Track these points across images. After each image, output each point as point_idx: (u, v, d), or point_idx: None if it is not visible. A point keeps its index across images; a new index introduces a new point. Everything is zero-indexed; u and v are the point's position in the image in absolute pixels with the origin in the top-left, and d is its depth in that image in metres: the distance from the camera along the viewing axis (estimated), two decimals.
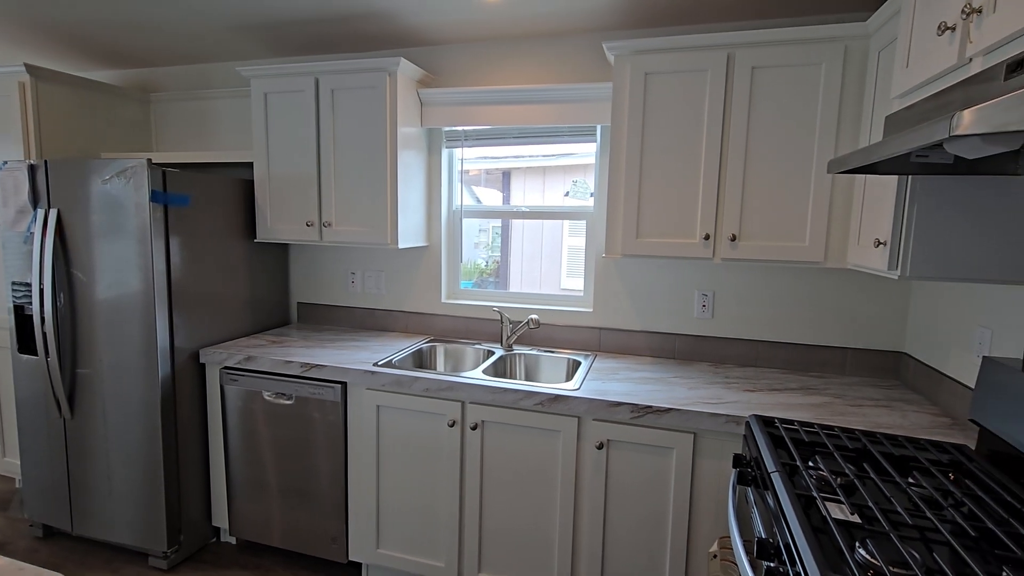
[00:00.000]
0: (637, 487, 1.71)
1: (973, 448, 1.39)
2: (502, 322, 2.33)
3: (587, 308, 2.38)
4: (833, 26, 1.68)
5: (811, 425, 1.48)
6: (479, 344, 2.41)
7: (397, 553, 2.01)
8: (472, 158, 2.80)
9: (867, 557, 0.91)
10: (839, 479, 1.20)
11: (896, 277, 1.41)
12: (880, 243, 1.46)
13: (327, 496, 2.08)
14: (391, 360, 2.10)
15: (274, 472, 2.15)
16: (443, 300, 2.55)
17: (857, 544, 0.95)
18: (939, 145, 0.96)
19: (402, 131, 2.25)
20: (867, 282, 2.02)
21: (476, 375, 1.93)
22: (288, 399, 2.09)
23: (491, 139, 2.48)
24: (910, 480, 1.20)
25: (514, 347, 2.37)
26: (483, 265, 2.71)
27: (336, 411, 2.03)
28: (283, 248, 2.74)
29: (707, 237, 1.85)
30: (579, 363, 2.15)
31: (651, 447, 1.68)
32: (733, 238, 1.82)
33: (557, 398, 1.74)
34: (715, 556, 1.45)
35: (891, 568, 0.88)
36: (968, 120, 0.76)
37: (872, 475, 1.19)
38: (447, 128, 2.49)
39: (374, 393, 1.97)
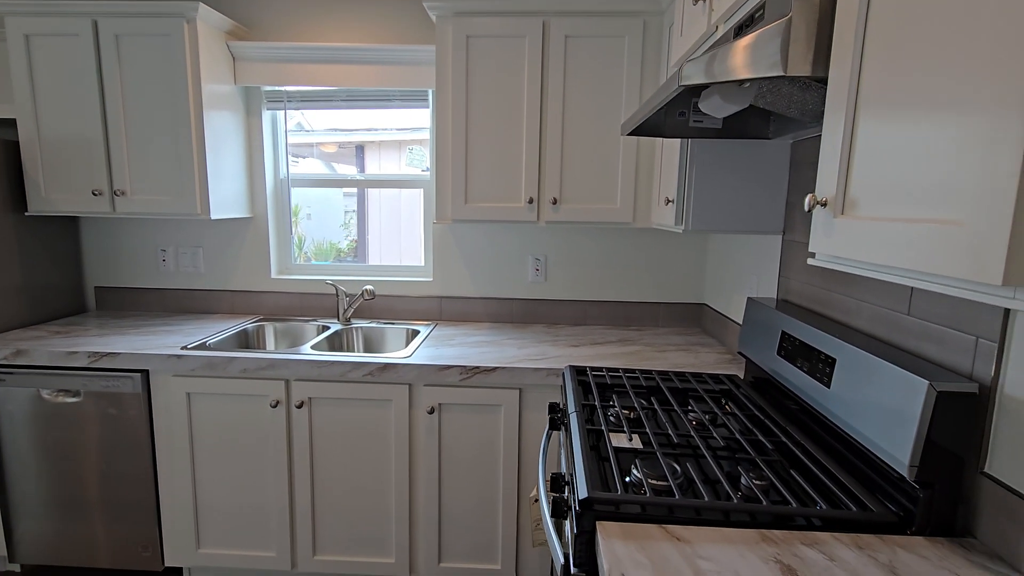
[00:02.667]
0: (469, 447, 1.74)
1: (742, 377, 1.62)
2: (338, 296, 2.22)
3: (427, 278, 2.35)
4: (634, 0, 1.80)
5: (616, 370, 1.61)
6: (315, 320, 2.28)
7: (222, 550, 1.85)
8: (322, 130, 2.62)
9: (638, 475, 1.01)
10: (631, 413, 1.31)
11: (681, 231, 1.58)
12: (669, 201, 1.61)
13: (134, 501, 1.84)
14: (205, 343, 1.89)
15: (66, 482, 1.85)
16: (273, 276, 2.36)
17: (632, 467, 1.05)
18: (711, 113, 1.06)
19: (209, 88, 2.01)
20: (672, 242, 2.24)
21: (301, 350, 1.82)
22: (75, 396, 1.80)
23: (317, 101, 2.32)
24: (689, 408, 1.36)
25: (352, 321, 2.27)
26: (341, 245, 2.56)
27: (137, 404, 1.79)
28: (70, 223, 2.33)
29: (531, 201, 1.91)
30: (418, 332, 2.13)
31: (481, 406, 1.72)
32: (555, 201, 1.91)
33: (387, 367, 1.70)
34: (535, 500, 1.53)
35: (650, 481, 0.98)
36: (687, 71, 0.85)
37: (657, 408, 1.33)
38: (267, 88, 2.27)
39: (183, 380, 1.76)
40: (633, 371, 1.61)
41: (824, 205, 0.76)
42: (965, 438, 0.84)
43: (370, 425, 1.76)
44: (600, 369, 1.62)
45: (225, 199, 2.12)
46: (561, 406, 1.54)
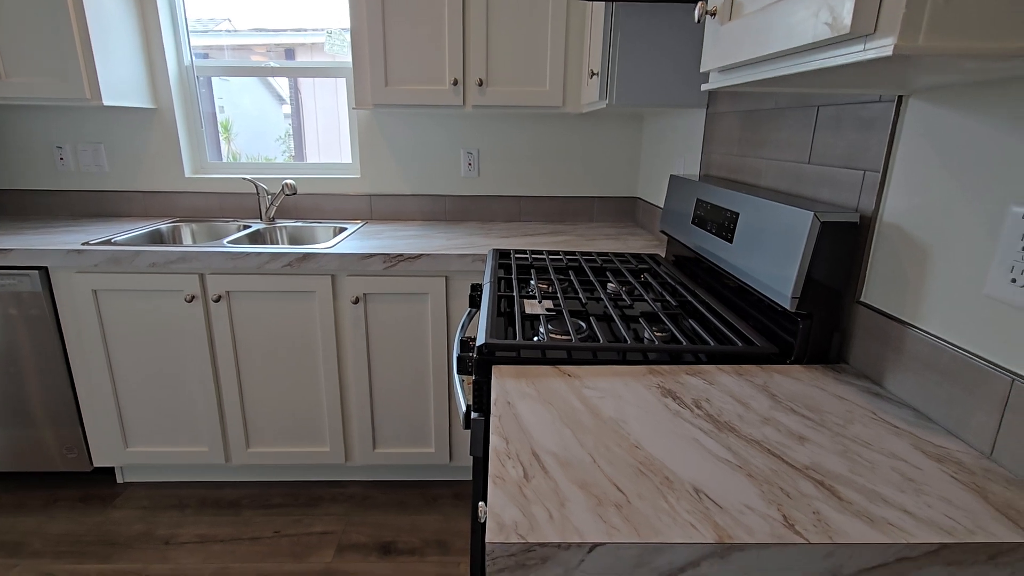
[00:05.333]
0: (398, 336, 1.73)
1: (664, 255, 1.64)
2: (258, 193, 2.09)
3: (355, 175, 2.24)
4: None
5: (540, 252, 1.60)
6: (236, 221, 2.16)
7: (152, 448, 1.83)
8: (247, 30, 2.37)
9: (545, 333, 1.02)
10: (548, 288, 1.31)
11: (605, 105, 1.52)
12: (594, 74, 1.54)
13: (51, 403, 1.77)
14: (111, 240, 1.77)
15: None
16: (188, 175, 2.20)
17: (542, 327, 1.06)
18: None
19: None
20: (607, 132, 2.19)
21: (215, 244, 1.72)
22: None
23: None
24: (607, 281, 1.37)
25: (277, 220, 2.16)
26: (278, 161, 2.38)
27: (39, 303, 1.68)
28: None
29: (456, 83, 1.80)
30: (345, 229, 2.05)
31: (407, 295, 1.69)
32: (481, 83, 1.80)
33: (307, 257, 1.64)
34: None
35: (551, 336, 0.98)
36: None
37: (575, 281, 1.33)
38: None
39: (87, 276, 1.66)
40: (557, 253, 1.60)
41: (713, 15, 0.72)
42: (845, 269, 0.86)
43: (294, 317, 1.71)
44: (524, 251, 1.61)
45: (119, 84, 1.91)
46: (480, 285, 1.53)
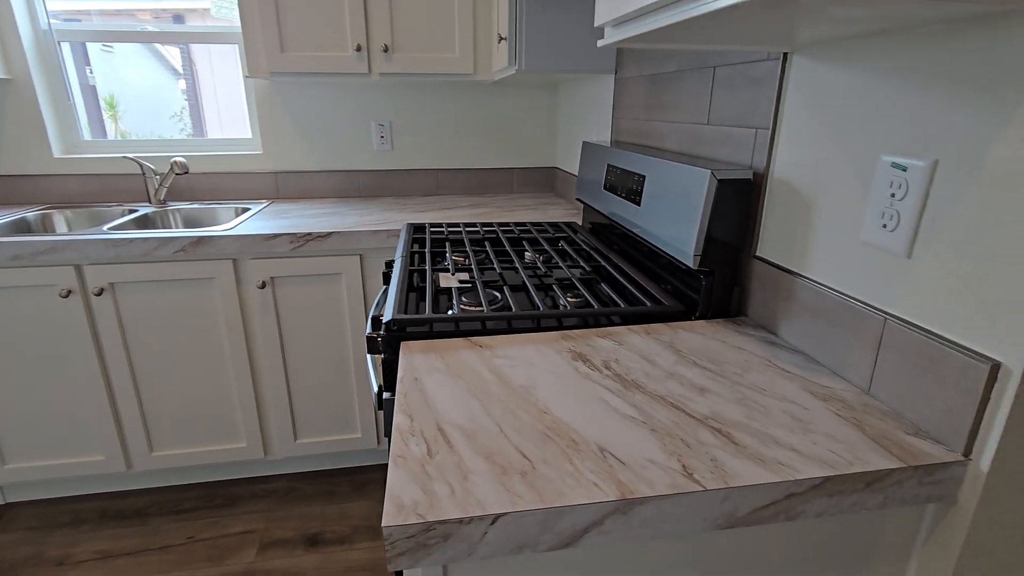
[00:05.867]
0: (313, 320, 1.64)
1: (581, 223, 1.65)
2: (144, 174, 1.89)
3: (257, 151, 2.08)
4: None
5: (457, 225, 1.56)
6: (121, 205, 1.95)
7: (37, 462, 1.64)
8: None
9: (457, 306, 0.98)
10: (464, 260, 1.28)
11: (515, 71, 1.48)
12: (502, 38, 1.49)
13: None
14: None
15: None
16: (56, 155, 1.95)
17: (455, 300, 1.02)
18: None
19: None
20: (523, 102, 2.16)
21: (93, 232, 1.54)
22: None
23: None
24: (525, 252, 1.35)
25: (168, 203, 1.97)
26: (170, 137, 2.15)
27: None
28: None
29: (359, 48, 1.69)
30: (248, 209, 1.90)
31: (319, 276, 1.60)
32: (386, 49, 1.70)
33: (201, 241, 1.50)
34: None
35: (463, 308, 0.95)
36: None
37: (491, 253, 1.30)
38: None
39: None
40: (474, 225, 1.57)
41: None
42: (742, 225, 0.89)
43: (193, 307, 1.58)
44: (440, 225, 1.56)
45: None
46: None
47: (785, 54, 0.83)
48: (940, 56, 0.58)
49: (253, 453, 1.74)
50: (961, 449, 0.56)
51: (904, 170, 0.62)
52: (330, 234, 1.55)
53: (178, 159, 1.84)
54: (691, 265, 0.90)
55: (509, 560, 0.55)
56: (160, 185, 1.90)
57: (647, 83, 1.32)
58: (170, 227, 1.94)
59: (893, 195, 0.64)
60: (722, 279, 0.92)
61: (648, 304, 0.95)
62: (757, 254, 0.91)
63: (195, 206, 1.96)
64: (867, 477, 0.54)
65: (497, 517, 0.49)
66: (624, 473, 0.54)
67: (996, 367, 0.52)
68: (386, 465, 1.91)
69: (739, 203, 0.88)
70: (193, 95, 2.45)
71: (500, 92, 2.13)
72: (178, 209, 1.93)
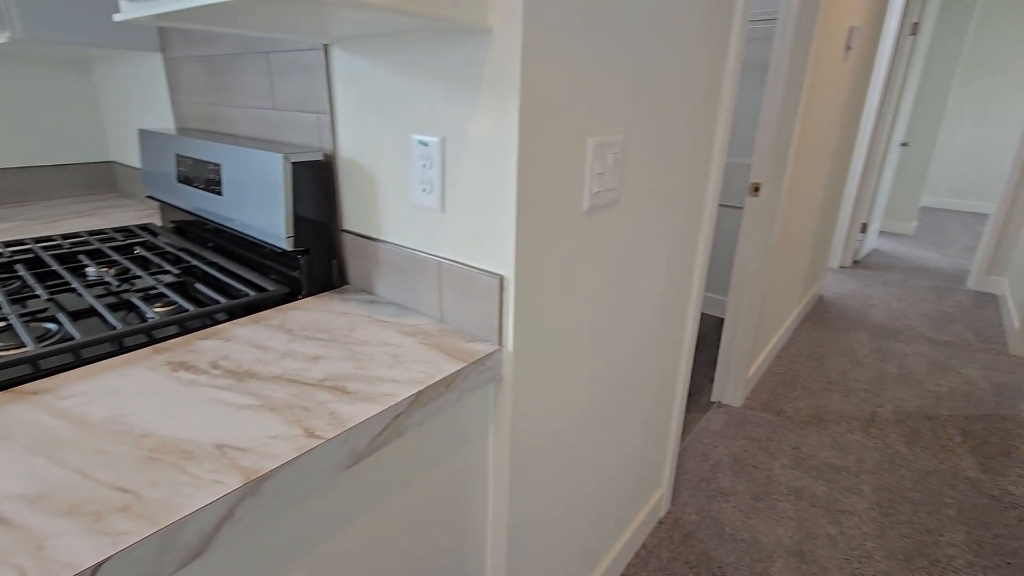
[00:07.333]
0: None
1: (161, 224, 1.44)
2: None
3: None
4: None
5: None
6: None
7: None
8: None
9: None
10: None
11: (8, 39, 1.13)
12: None
13: None
14: None
15: None
16: None
17: None
18: None
19: None
20: (50, 84, 1.67)
21: None
22: None
23: None
24: (87, 268, 1.09)
25: None
26: None
27: None
28: None
29: None
30: None
31: None
32: None
33: None
34: None
35: (4, 353, 0.73)
36: None
37: (29, 279, 1.00)
38: None
39: None
40: None
41: None
42: (325, 203, 0.97)
43: None
44: None
45: None
46: None
47: (326, 45, 0.92)
48: (428, 56, 0.76)
49: None
50: (496, 341, 0.79)
51: (427, 146, 0.80)
52: None
53: None
54: (287, 247, 0.92)
55: None
56: None
57: (204, 65, 1.23)
58: None
59: (424, 165, 0.81)
60: (319, 255, 0.98)
61: (251, 293, 0.93)
62: (344, 228, 1.01)
63: None
64: (446, 381, 0.71)
65: (97, 567, 0.43)
66: (247, 459, 0.55)
67: (502, 279, 0.76)
68: None
69: (318, 183, 0.95)
70: None
71: (9, 68, 1.58)
72: None
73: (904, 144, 4.60)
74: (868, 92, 3.54)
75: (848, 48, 2.39)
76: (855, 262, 4.30)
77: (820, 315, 3.23)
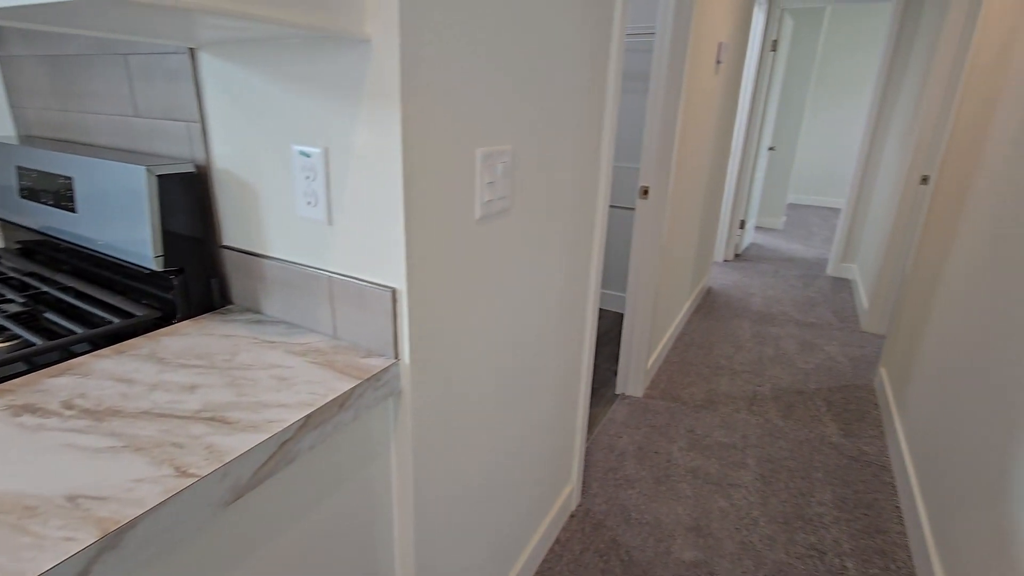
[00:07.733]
0: None
1: (4, 246, 1.26)
2: None
3: None
4: None
5: None
6: None
7: None
8: None
9: None
10: None
11: None
12: None
13: None
14: None
15: None
16: None
17: None
18: None
19: None
20: None
21: None
22: None
23: None
24: None
25: None
26: None
27: None
28: None
29: None
30: None
31: None
32: None
33: None
34: None
35: None
36: None
37: None
38: None
39: None
40: None
41: None
42: (200, 218, 0.90)
43: None
44: None
45: None
46: None
47: (191, 49, 0.85)
48: (306, 64, 0.73)
49: None
50: (393, 354, 0.77)
51: (309, 156, 0.77)
52: None
53: None
54: (156, 267, 0.84)
55: None
56: None
57: (50, 66, 1.09)
58: None
59: (307, 177, 0.78)
60: (196, 274, 0.91)
61: (116, 321, 0.84)
62: (224, 243, 0.94)
63: None
64: (339, 400, 0.68)
65: None
66: (105, 508, 0.49)
67: (394, 291, 0.75)
68: None
69: (189, 197, 0.87)
70: None
71: None
72: None
73: (771, 148, 5.13)
74: (739, 101, 3.91)
75: (718, 62, 2.62)
76: (736, 255, 4.73)
77: (708, 305, 3.51)
